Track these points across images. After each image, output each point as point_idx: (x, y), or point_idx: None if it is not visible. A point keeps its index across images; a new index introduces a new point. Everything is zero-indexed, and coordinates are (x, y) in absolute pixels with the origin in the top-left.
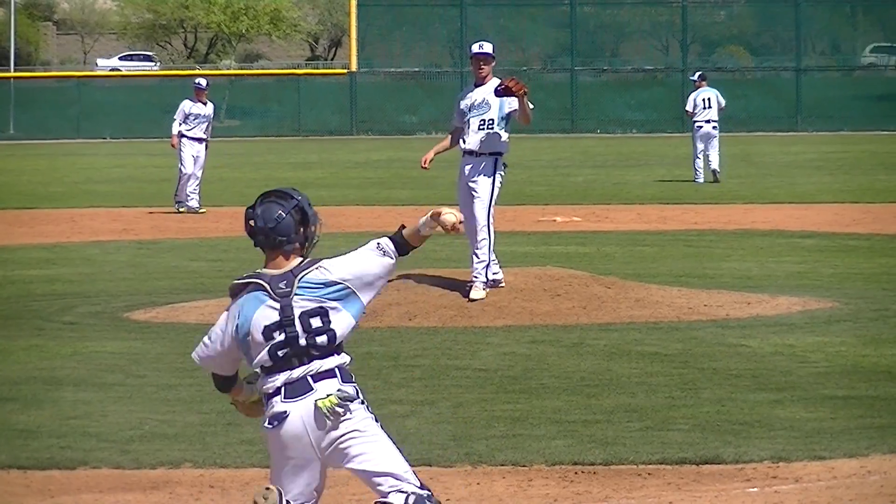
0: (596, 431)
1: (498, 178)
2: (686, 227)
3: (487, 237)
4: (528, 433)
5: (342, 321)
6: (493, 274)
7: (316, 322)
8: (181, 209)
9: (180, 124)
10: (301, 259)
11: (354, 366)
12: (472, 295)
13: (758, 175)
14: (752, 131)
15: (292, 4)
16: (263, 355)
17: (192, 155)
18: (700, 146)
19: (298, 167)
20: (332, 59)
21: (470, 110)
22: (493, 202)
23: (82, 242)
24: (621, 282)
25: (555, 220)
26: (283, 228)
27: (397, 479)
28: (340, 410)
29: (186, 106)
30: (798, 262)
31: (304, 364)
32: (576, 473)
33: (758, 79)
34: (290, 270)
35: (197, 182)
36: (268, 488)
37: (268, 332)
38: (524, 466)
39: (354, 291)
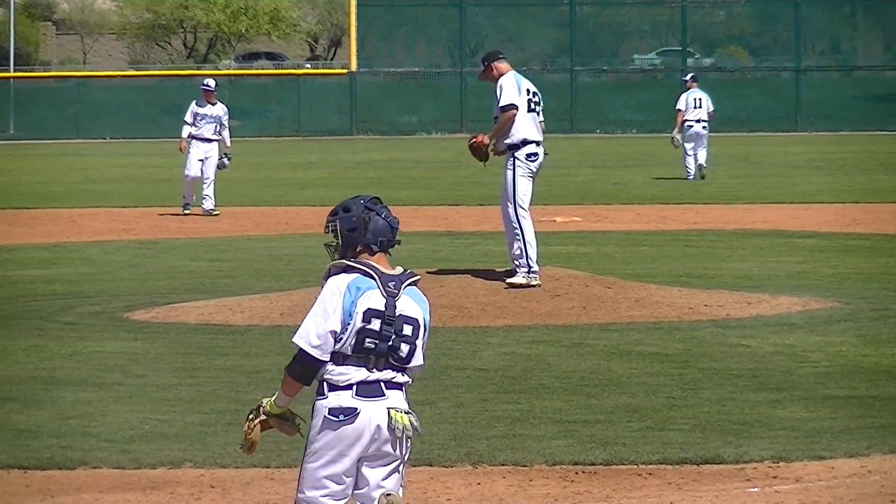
0: (596, 431)
1: (517, 173)
2: (686, 228)
3: (517, 234)
4: (529, 433)
5: (423, 343)
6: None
7: (408, 330)
8: (186, 211)
9: (190, 126)
10: (410, 272)
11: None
12: (509, 280)
13: (758, 175)
14: (752, 131)
15: (292, 4)
16: (350, 340)
17: (200, 157)
18: (689, 145)
19: (298, 167)
20: (331, 59)
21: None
22: (515, 197)
23: (82, 242)
24: (621, 282)
25: (555, 221)
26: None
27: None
28: (410, 432)
29: (194, 106)
30: (798, 262)
31: (379, 370)
32: (576, 473)
33: (757, 79)
34: (398, 276)
35: (210, 183)
36: (388, 494)
37: (368, 315)
38: (525, 466)
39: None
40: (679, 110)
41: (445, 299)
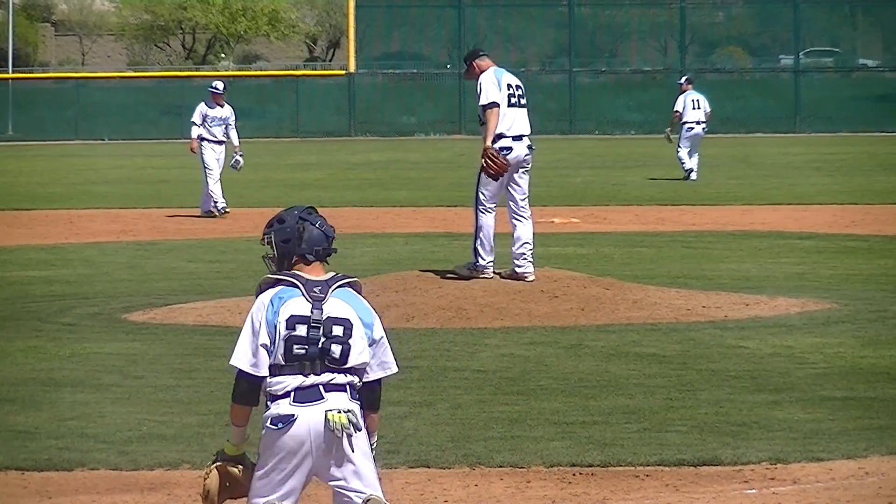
0: (594, 433)
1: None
2: (684, 229)
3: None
4: (527, 434)
5: (360, 342)
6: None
7: (338, 330)
8: (222, 213)
9: (199, 127)
10: (341, 275)
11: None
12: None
13: (756, 176)
14: (751, 132)
15: (290, 5)
16: (280, 349)
17: (216, 158)
18: (687, 146)
19: (297, 168)
20: (330, 60)
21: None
22: (478, 189)
23: (81, 244)
24: (619, 283)
25: (553, 222)
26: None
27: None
28: (350, 430)
29: (203, 108)
30: (797, 263)
31: (316, 374)
32: (574, 475)
33: (756, 79)
34: (326, 280)
35: (215, 183)
36: (368, 500)
37: (292, 321)
38: (522, 468)
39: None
40: (676, 112)
41: (443, 300)
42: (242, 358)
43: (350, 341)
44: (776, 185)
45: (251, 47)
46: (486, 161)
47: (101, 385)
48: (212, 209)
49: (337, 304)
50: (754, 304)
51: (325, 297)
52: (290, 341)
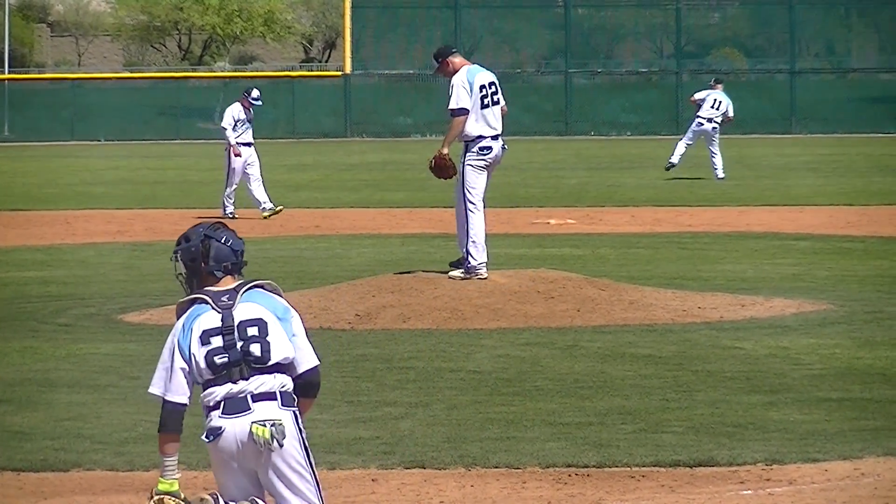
0: (590, 434)
1: (470, 164)
2: (680, 230)
3: (466, 227)
4: (522, 435)
5: (279, 336)
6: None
7: (253, 331)
8: (274, 209)
9: (232, 131)
10: (250, 280)
11: (348, 369)
12: (451, 273)
13: (752, 177)
14: (747, 133)
15: (286, 6)
16: (203, 364)
17: (248, 162)
18: (690, 139)
19: (292, 169)
20: (326, 62)
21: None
22: (464, 189)
23: (77, 244)
24: (615, 284)
25: (549, 223)
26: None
27: None
28: (273, 444)
29: (235, 111)
30: (792, 264)
31: (245, 379)
32: (570, 476)
33: (752, 81)
34: (234, 288)
35: (234, 188)
36: (202, 498)
37: (206, 336)
38: (518, 469)
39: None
40: (694, 99)
41: (439, 301)
42: (159, 384)
43: (268, 338)
44: (772, 186)
45: (247, 48)
46: (435, 164)
47: (98, 386)
48: (263, 208)
49: (247, 307)
50: (750, 305)
51: (233, 304)
52: (209, 355)
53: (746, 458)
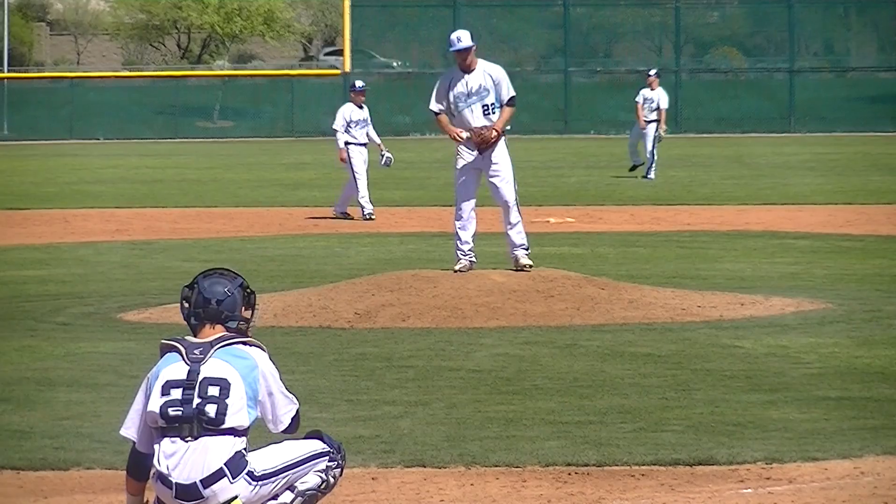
0: (589, 432)
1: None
2: (679, 228)
3: (520, 215)
4: (522, 434)
5: (237, 402)
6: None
7: (214, 391)
8: (368, 214)
9: (344, 132)
10: (231, 334)
11: (348, 367)
12: (522, 261)
13: (751, 176)
14: (746, 132)
15: (286, 5)
16: (157, 412)
17: (363, 160)
18: (633, 139)
19: (291, 168)
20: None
21: (468, 97)
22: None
23: (75, 243)
24: (614, 283)
25: (548, 221)
26: (229, 304)
27: None
28: None
29: (347, 112)
30: (791, 263)
31: (194, 438)
32: (569, 474)
33: (751, 80)
34: (210, 341)
35: (366, 186)
36: None
37: (167, 386)
38: (518, 467)
39: (257, 394)
40: (637, 103)
41: (439, 300)
42: (131, 428)
43: (227, 401)
44: (771, 184)
45: (246, 47)
46: (486, 140)
47: (97, 384)
48: (347, 212)
49: (216, 365)
50: (749, 304)
51: (204, 359)
52: (164, 406)
53: (746, 457)
